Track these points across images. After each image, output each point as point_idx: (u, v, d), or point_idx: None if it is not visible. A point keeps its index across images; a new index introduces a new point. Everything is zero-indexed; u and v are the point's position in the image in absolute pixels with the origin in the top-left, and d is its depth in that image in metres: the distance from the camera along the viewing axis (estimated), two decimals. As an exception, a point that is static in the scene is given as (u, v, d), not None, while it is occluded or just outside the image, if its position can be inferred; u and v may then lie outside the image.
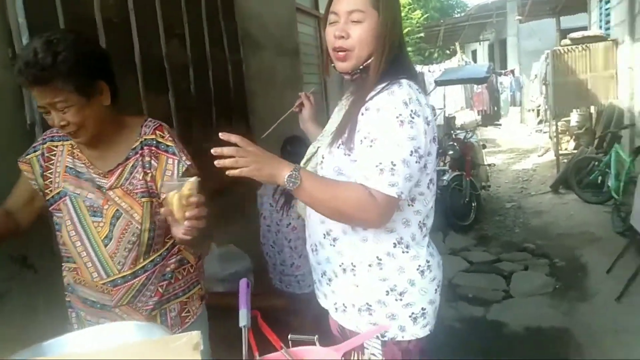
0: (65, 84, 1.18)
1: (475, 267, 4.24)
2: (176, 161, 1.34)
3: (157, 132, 1.35)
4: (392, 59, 1.21)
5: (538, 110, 10.70)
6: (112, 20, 2.27)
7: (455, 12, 21.85)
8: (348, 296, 1.27)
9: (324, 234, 1.28)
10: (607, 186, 5.20)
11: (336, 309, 1.30)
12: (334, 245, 1.26)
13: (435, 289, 1.29)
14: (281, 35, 4.39)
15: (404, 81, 1.18)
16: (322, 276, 1.33)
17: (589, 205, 5.47)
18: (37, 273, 1.47)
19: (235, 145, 1.10)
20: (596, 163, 5.61)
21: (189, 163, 1.35)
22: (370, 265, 1.23)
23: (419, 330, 1.26)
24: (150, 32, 2.57)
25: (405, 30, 16.17)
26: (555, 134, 7.59)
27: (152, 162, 1.33)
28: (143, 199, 1.32)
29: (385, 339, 1.23)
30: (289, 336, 1.23)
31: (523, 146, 10.20)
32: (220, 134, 1.09)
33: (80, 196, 1.33)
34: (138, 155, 1.33)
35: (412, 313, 1.24)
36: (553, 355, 2.78)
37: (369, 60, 1.21)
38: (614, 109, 6.28)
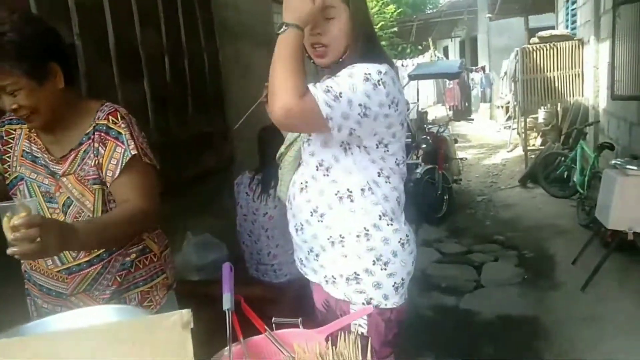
0: (13, 66, 1.13)
1: (447, 258, 4.32)
2: (122, 150, 1.27)
3: (110, 117, 1.29)
4: (367, 51, 1.25)
5: (507, 107, 10.95)
6: (85, 6, 2.21)
7: (428, 8, 22.12)
8: (336, 267, 1.32)
9: (311, 212, 1.32)
10: (573, 181, 5.38)
11: (326, 281, 1.35)
12: (321, 221, 1.31)
13: (412, 262, 1.38)
14: (257, 25, 4.35)
15: (386, 65, 1.22)
16: (308, 253, 1.38)
17: (556, 199, 5.65)
18: (8, 260, 1.42)
19: None
20: (562, 159, 5.80)
21: (134, 152, 1.27)
22: (358, 236, 1.29)
23: (399, 299, 1.34)
24: (124, 18, 2.51)
25: (379, 25, 16.27)
26: (523, 130, 7.79)
27: (100, 148, 1.28)
28: (95, 186, 1.29)
29: (372, 305, 1.29)
30: (273, 319, 1.24)
31: (493, 141, 10.43)
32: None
33: (36, 181, 1.30)
34: (90, 141, 1.28)
35: (395, 282, 1.32)
36: (522, 342, 2.87)
37: (346, 54, 1.25)
38: (580, 106, 6.50)
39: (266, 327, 1.16)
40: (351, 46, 1.25)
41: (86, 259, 1.30)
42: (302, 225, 1.35)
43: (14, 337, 0.84)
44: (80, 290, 1.32)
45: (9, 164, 1.34)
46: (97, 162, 1.28)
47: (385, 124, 1.22)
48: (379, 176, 1.29)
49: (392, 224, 1.30)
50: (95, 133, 1.28)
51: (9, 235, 0.98)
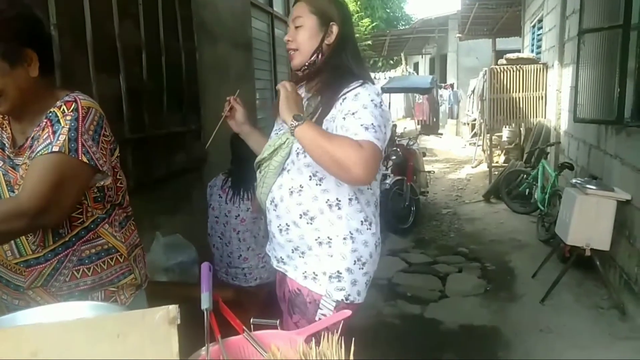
0: None
1: (413, 267, 4.39)
2: (48, 140, 1.18)
3: (64, 106, 1.21)
4: (336, 55, 1.43)
5: (473, 124, 11.28)
6: (63, -6, 2.16)
7: (401, 24, 22.55)
8: (320, 265, 1.42)
9: (301, 214, 1.41)
10: (534, 198, 5.59)
11: (305, 277, 1.44)
12: (310, 224, 1.41)
13: (378, 261, 1.50)
14: (235, 28, 4.34)
15: (371, 85, 1.41)
16: (292, 252, 1.46)
17: (517, 215, 5.85)
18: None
19: None
20: (525, 176, 6.02)
21: (55, 150, 1.16)
22: (344, 239, 1.41)
23: (364, 295, 1.46)
24: (103, 10, 2.47)
25: (353, 38, 16.45)
26: (488, 147, 8.04)
27: (40, 135, 1.21)
28: None
29: (348, 301, 1.40)
30: (251, 320, 1.23)
31: (458, 157, 10.71)
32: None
33: (2, 169, 1.27)
34: (38, 128, 1.23)
35: (367, 280, 1.45)
36: (484, 351, 2.95)
37: (313, 57, 1.43)
38: (542, 127, 6.77)
39: (244, 328, 1.16)
40: (320, 50, 1.43)
41: (42, 253, 1.26)
42: (289, 225, 1.44)
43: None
44: (38, 284, 1.27)
45: None
46: None
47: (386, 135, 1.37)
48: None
49: (370, 228, 1.44)
50: (44, 120, 1.22)
51: None
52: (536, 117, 7.00)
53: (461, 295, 3.78)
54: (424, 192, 6.51)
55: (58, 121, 1.20)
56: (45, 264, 1.27)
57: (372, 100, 1.33)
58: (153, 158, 2.89)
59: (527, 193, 5.93)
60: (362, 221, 1.42)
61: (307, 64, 1.44)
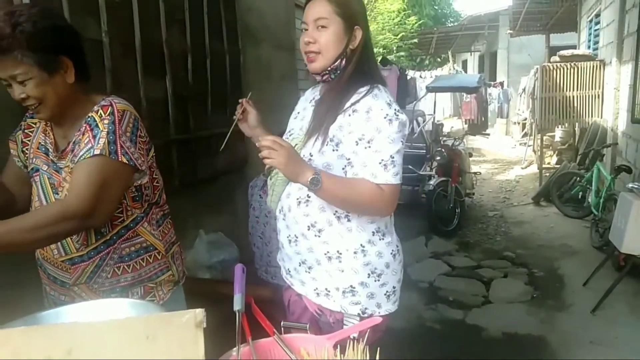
0: (24, 55, 1.17)
1: (456, 271, 4.29)
2: (90, 145, 1.24)
3: (101, 110, 1.27)
4: (361, 62, 1.37)
5: (523, 124, 10.87)
6: (114, 4, 2.25)
7: (449, 21, 22.04)
8: (331, 281, 1.38)
9: (309, 226, 1.37)
10: (587, 202, 5.33)
11: (317, 293, 1.40)
12: (319, 236, 1.36)
13: (401, 270, 1.45)
14: (279, 29, 4.39)
15: (381, 87, 1.35)
16: (299, 265, 1.42)
17: (569, 219, 5.60)
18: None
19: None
20: (578, 179, 5.74)
21: (97, 153, 1.22)
22: (355, 252, 1.36)
23: (391, 306, 1.41)
24: (151, 16, 2.56)
25: (399, 36, 16.24)
26: (539, 148, 7.73)
27: (80, 139, 1.28)
28: None
29: (365, 315, 1.36)
30: (282, 323, 1.25)
31: (507, 157, 10.36)
32: (260, 138, 1.23)
33: (47, 173, 1.34)
34: (79, 133, 1.29)
35: (387, 291, 1.39)
36: (528, 362, 2.85)
37: (337, 62, 1.35)
38: (598, 127, 6.44)
39: (275, 331, 1.17)
40: (344, 55, 1.35)
41: (85, 251, 1.32)
42: (297, 237, 1.40)
43: (32, 325, 0.85)
44: (82, 281, 1.34)
45: (27, 155, 1.39)
46: None
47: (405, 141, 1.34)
48: None
49: (384, 238, 1.39)
50: (84, 125, 1.29)
51: None
52: (591, 116, 6.66)
53: (506, 301, 3.66)
54: (470, 194, 6.35)
55: (97, 125, 1.26)
56: (88, 262, 1.33)
57: (385, 117, 1.28)
58: (197, 158, 2.97)
59: (580, 196, 5.66)
60: (373, 232, 1.37)
61: (329, 69, 1.36)
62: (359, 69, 1.36)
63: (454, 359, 2.88)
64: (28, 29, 1.16)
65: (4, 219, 1.17)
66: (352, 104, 1.32)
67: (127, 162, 1.27)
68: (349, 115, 1.32)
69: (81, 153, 1.25)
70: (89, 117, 1.28)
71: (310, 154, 1.35)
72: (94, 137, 1.25)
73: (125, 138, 1.28)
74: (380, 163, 1.27)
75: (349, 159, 1.31)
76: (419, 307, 3.52)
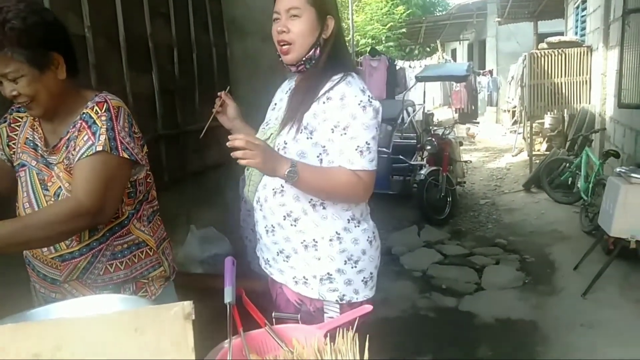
0: (15, 53, 1.15)
1: (449, 259, 4.32)
2: (90, 142, 1.24)
3: (96, 107, 1.27)
4: (334, 51, 1.37)
5: (513, 111, 10.91)
6: (96, -3, 2.23)
7: (437, 10, 22.01)
8: (309, 269, 1.39)
9: (284, 216, 1.38)
10: (577, 187, 5.37)
11: (296, 282, 1.41)
12: (295, 225, 1.37)
13: (379, 256, 1.47)
14: (266, 21, 4.35)
15: (354, 74, 1.36)
16: (277, 254, 1.43)
17: (559, 205, 5.64)
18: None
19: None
20: (567, 165, 5.79)
21: (99, 149, 1.22)
22: (331, 240, 1.37)
23: (368, 292, 1.42)
24: (134, 10, 2.53)
25: (388, 26, 16.20)
26: (529, 135, 7.78)
27: (77, 137, 1.27)
28: None
29: (344, 301, 1.38)
30: (273, 314, 1.25)
31: (498, 145, 10.41)
32: (229, 137, 1.18)
33: (35, 168, 1.33)
34: (74, 130, 1.29)
35: (364, 277, 1.41)
36: (520, 346, 2.88)
37: (311, 52, 1.34)
38: (586, 113, 6.48)
39: (266, 322, 1.17)
40: (318, 44, 1.34)
41: (77, 247, 1.31)
42: (274, 227, 1.40)
43: (20, 322, 0.85)
44: (73, 277, 1.33)
45: (14, 150, 1.38)
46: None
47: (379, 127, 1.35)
48: None
49: (359, 225, 1.40)
50: (79, 121, 1.28)
51: None
52: (580, 103, 6.70)
53: (498, 288, 3.70)
54: (461, 183, 6.38)
55: (94, 122, 1.26)
56: (80, 258, 1.32)
57: (359, 103, 1.28)
58: (186, 153, 2.96)
59: (569, 182, 5.70)
60: (349, 219, 1.38)
61: (303, 59, 1.35)
62: (332, 57, 1.36)
63: (447, 345, 2.91)
64: (18, 25, 1.15)
65: None
66: (326, 92, 1.32)
67: (128, 157, 1.28)
68: (323, 102, 1.32)
69: (82, 151, 1.24)
70: (84, 113, 1.28)
71: (284, 141, 1.35)
72: (94, 134, 1.25)
73: (125, 134, 1.29)
74: (356, 149, 1.28)
75: (324, 146, 1.33)
76: (413, 295, 3.55)
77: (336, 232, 1.37)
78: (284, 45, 1.34)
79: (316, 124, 1.32)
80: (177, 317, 0.83)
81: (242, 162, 1.19)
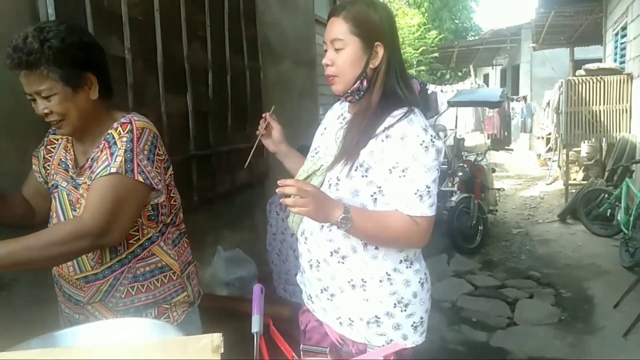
0: (50, 71, 1.18)
1: (479, 291, 4.17)
2: (106, 163, 1.23)
3: (120, 127, 1.27)
4: (389, 80, 1.29)
5: (547, 138, 10.67)
6: (137, 18, 2.28)
7: (470, 35, 21.96)
8: (355, 310, 1.31)
9: (332, 252, 1.31)
10: (617, 220, 5.15)
11: (340, 323, 1.34)
12: (342, 263, 1.30)
13: (429, 299, 1.39)
14: (299, 45, 4.41)
15: (416, 110, 1.29)
16: (321, 292, 1.36)
17: (597, 238, 5.42)
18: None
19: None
20: (606, 195, 5.57)
21: (113, 171, 1.21)
22: (381, 281, 1.29)
23: (418, 338, 1.34)
24: (173, 33, 2.58)
25: (420, 50, 16.23)
26: (565, 163, 7.56)
27: (99, 156, 1.28)
28: None
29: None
30: (301, 346, 1.21)
31: (531, 173, 10.17)
32: (279, 182, 1.15)
33: (66, 189, 1.34)
34: (97, 150, 1.29)
35: (414, 322, 1.33)
36: (556, 387, 2.72)
37: (356, 83, 1.28)
38: (627, 142, 6.26)
39: (294, 354, 1.13)
40: (366, 76, 1.28)
41: (100, 269, 1.31)
42: (319, 262, 1.34)
43: (47, 347, 0.83)
44: (97, 299, 1.32)
45: (48, 172, 1.40)
46: None
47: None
48: None
49: (412, 266, 1.33)
50: (103, 142, 1.29)
51: None
52: (619, 131, 6.49)
53: (532, 323, 3.53)
54: (493, 211, 6.22)
55: (115, 143, 1.26)
56: (102, 280, 1.32)
57: (422, 144, 1.21)
58: (217, 174, 2.97)
59: (608, 214, 5.48)
60: (401, 260, 1.31)
61: (350, 91, 1.30)
62: (388, 87, 1.29)
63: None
64: (56, 44, 1.18)
65: (23, 233, 1.17)
66: (386, 129, 1.25)
67: (142, 180, 1.26)
68: (382, 140, 1.25)
69: (98, 170, 1.24)
70: (108, 134, 1.28)
71: (337, 178, 1.29)
72: (112, 154, 1.24)
73: (143, 156, 1.27)
74: (415, 194, 1.21)
75: (379, 186, 1.26)
76: (441, 327, 3.42)
77: (387, 273, 1.29)
78: (329, 77, 1.32)
79: (372, 162, 1.25)
80: (206, 349, 0.80)
81: (293, 210, 1.15)
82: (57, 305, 1.45)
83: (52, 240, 1.17)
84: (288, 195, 1.13)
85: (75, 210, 1.32)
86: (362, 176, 1.26)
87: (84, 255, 1.29)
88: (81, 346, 0.91)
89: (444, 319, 3.56)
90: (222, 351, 0.79)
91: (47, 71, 1.18)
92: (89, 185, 1.28)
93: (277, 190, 1.14)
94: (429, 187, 1.22)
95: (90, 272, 1.31)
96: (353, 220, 1.17)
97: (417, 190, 1.21)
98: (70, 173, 1.35)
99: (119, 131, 1.27)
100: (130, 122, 1.28)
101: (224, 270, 2.66)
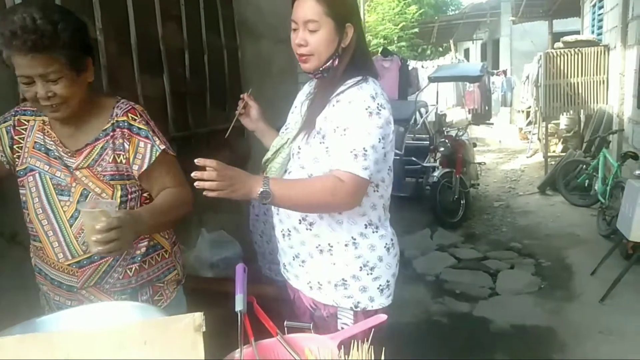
0: (61, 54, 1.17)
1: (462, 263, 4.26)
2: (149, 145, 1.32)
3: (129, 114, 1.33)
4: (354, 57, 1.34)
5: (528, 112, 10.78)
6: (108, 1, 2.22)
7: (450, 9, 21.86)
8: (323, 274, 1.37)
9: (300, 220, 1.36)
10: (594, 190, 5.27)
11: (310, 287, 1.40)
12: (310, 229, 1.35)
13: (396, 264, 1.43)
14: (278, 23, 4.33)
15: (370, 79, 1.32)
16: (293, 259, 1.42)
17: (576, 208, 5.55)
18: (27, 250, 1.44)
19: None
20: (584, 166, 5.68)
21: (162, 147, 1.34)
22: (346, 245, 1.35)
23: (384, 300, 1.39)
24: (146, 12, 2.52)
25: (400, 26, 16.12)
26: (544, 136, 7.66)
27: (125, 144, 1.32)
28: (112, 182, 1.31)
29: (358, 309, 1.36)
30: (285, 323, 1.23)
31: (512, 146, 10.29)
32: (196, 160, 1.17)
33: (48, 173, 1.31)
34: (109, 137, 1.31)
35: (380, 285, 1.38)
36: (537, 353, 2.82)
37: (329, 62, 1.32)
38: (604, 113, 6.36)
39: (278, 331, 1.15)
40: (336, 55, 1.32)
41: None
42: (290, 231, 1.40)
43: (28, 333, 0.83)
44: (91, 283, 1.32)
45: (19, 154, 1.35)
46: (119, 157, 1.31)
47: (387, 139, 1.30)
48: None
49: (377, 231, 1.38)
50: (116, 130, 1.30)
51: (91, 237, 1.07)
52: (597, 103, 6.58)
53: (513, 293, 3.63)
54: (475, 185, 6.30)
55: (139, 128, 1.32)
56: (99, 262, 1.32)
57: (367, 109, 1.25)
58: (197, 156, 2.94)
59: (586, 184, 5.60)
60: (366, 224, 1.36)
61: (321, 68, 1.34)
62: (352, 63, 1.34)
63: (461, 352, 2.86)
64: (67, 27, 1.18)
65: None
66: (337, 95, 1.31)
67: (173, 153, 1.39)
68: (333, 105, 1.31)
69: (148, 155, 1.32)
70: (118, 121, 1.32)
71: (299, 147, 1.35)
72: (147, 137, 1.33)
73: (161, 134, 1.37)
74: (351, 152, 1.22)
75: (327, 147, 1.30)
76: (425, 300, 3.50)
77: (352, 238, 1.35)
78: (302, 56, 1.33)
79: (327, 128, 1.30)
80: (188, 329, 0.81)
81: (210, 194, 1.17)
82: (38, 294, 1.43)
83: (177, 203, 1.35)
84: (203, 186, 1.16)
85: (61, 194, 1.30)
86: (320, 143, 1.30)
87: (74, 240, 1.30)
88: (62, 330, 0.91)
89: (428, 292, 3.64)
90: (204, 329, 0.80)
91: (58, 54, 1.17)
92: (94, 170, 1.30)
93: (192, 175, 1.15)
94: (366, 150, 1.23)
95: (84, 256, 1.31)
96: (273, 192, 1.19)
97: (354, 149, 1.22)
98: (56, 155, 1.32)
99: (132, 117, 1.33)
100: (134, 107, 1.35)
101: (209, 252, 2.66)
